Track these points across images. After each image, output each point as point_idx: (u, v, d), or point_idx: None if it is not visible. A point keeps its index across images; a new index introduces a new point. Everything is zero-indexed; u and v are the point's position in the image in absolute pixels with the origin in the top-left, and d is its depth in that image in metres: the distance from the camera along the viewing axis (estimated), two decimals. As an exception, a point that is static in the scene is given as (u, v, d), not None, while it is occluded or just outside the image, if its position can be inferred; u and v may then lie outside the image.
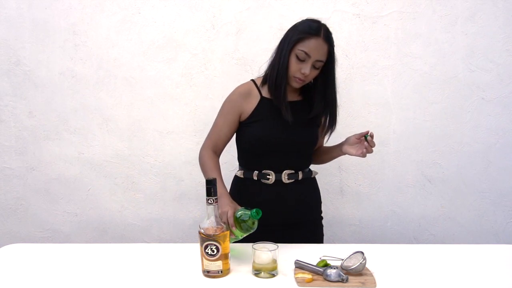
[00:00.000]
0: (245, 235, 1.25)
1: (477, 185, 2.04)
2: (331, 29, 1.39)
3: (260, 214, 1.21)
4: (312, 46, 1.35)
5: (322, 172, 1.95)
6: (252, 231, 1.24)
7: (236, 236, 1.24)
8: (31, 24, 1.98)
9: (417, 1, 1.91)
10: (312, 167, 1.60)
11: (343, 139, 2.03)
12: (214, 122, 1.52)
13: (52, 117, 2.04)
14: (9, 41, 1.99)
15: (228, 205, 1.27)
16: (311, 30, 1.35)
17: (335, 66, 1.45)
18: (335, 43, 1.41)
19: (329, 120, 1.52)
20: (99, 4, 1.96)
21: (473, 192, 2.04)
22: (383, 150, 2.02)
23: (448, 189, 2.05)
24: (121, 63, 2.00)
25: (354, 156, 1.45)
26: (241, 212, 1.24)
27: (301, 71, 1.37)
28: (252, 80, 1.52)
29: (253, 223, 1.23)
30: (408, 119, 2.00)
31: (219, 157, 1.50)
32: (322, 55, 1.37)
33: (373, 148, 1.42)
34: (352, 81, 1.97)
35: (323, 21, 1.40)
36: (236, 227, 1.22)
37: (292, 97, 1.49)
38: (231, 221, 1.22)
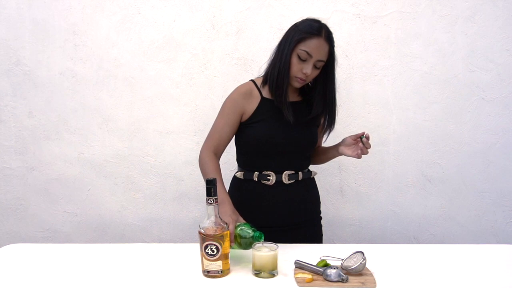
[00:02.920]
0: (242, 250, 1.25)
1: (477, 185, 2.04)
2: (331, 29, 1.40)
3: (263, 238, 1.20)
4: (313, 46, 1.35)
5: (322, 172, 1.96)
6: (250, 248, 1.22)
7: (232, 248, 1.24)
8: (31, 24, 1.98)
9: (417, 1, 1.91)
10: (311, 167, 1.60)
11: (343, 139, 2.03)
12: (214, 123, 1.49)
13: (52, 117, 2.04)
14: (9, 41, 1.99)
15: (230, 217, 1.25)
16: (312, 30, 1.35)
17: (335, 66, 1.45)
18: (335, 43, 1.41)
19: (328, 120, 1.52)
20: (99, 4, 1.96)
21: (473, 192, 2.04)
22: (383, 150, 2.02)
23: (448, 189, 2.04)
24: (121, 63, 2.00)
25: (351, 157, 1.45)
26: (243, 228, 1.23)
27: (302, 71, 1.37)
28: (252, 81, 1.51)
29: (253, 242, 1.21)
30: (408, 119, 2.00)
31: (219, 159, 1.48)
32: (323, 55, 1.38)
33: (369, 150, 1.42)
34: (352, 81, 1.97)
35: (323, 21, 1.40)
36: (235, 242, 1.22)
37: (292, 97, 1.49)
38: (231, 237, 1.21)
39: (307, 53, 1.35)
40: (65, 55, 2.00)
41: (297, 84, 1.42)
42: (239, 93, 1.47)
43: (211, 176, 1.36)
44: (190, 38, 1.97)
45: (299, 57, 1.36)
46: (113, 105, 2.03)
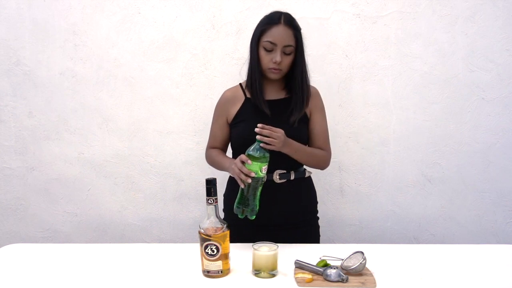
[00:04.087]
0: (264, 167, 1.31)
1: (477, 185, 2.03)
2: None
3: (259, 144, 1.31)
4: (275, 34, 1.40)
5: (322, 172, 1.95)
6: (266, 159, 1.30)
7: (256, 174, 1.29)
8: (31, 24, 1.98)
9: (417, 1, 1.91)
10: (308, 167, 1.59)
11: (343, 139, 2.04)
12: (210, 127, 1.62)
13: (52, 117, 2.04)
14: (9, 41, 1.99)
15: (235, 159, 1.35)
16: (271, 20, 1.43)
17: (304, 48, 1.48)
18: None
19: (296, 100, 1.48)
20: (99, 4, 1.96)
21: (473, 192, 2.04)
22: (383, 150, 2.02)
23: (448, 189, 2.04)
24: (121, 63, 2.00)
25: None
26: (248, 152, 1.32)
27: (272, 60, 1.41)
28: (240, 84, 1.58)
29: (264, 154, 1.30)
30: (408, 119, 2.00)
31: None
32: (287, 40, 1.41)
33: (269, 138, 1.31)
34: (352, 81, 1.97)
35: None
36: (251, 160, 1.29)
37: (277, 95, 1.52)
38: (243, 157, 1.30)
39: (270, 42, 1.40)
40: (65, 55, 1.99)
41: (273, 75, 1.45)
42: (223, 97, 1.57)
43: (217, 157, 1.53)
44: (190, 38, 1.97)
45: (265, 49, 1.42)
46: (113, 105, 2.03)
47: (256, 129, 1.32)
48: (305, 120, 1.52)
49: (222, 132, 1.57)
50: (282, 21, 1.41)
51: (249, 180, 1.29)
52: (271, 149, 1.34)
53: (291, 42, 1.41)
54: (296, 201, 1.53)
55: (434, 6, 1.91)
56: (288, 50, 1.41)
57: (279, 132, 1.34)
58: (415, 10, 1.91)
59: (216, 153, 1.57)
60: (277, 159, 1.46)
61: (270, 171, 1.46)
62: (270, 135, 1.32)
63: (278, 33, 1.40)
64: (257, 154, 1.29)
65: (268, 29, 1.41)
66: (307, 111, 1.53)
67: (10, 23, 1.98)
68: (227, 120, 1.55)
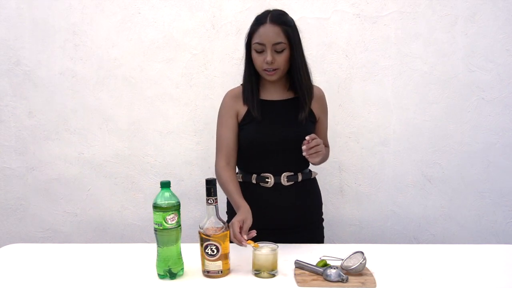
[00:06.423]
0: (169, 217, 1.16)
1: (477, 185, 2.03)
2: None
3: None
4: (262, 34, 1.38)
5: (322, 172, 1.95)
6: (175, 208, 1.17)
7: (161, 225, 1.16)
8: (31, 24, 1.98)
9: (417, 1, 1.91)
10: (312, 167, 1.59)
11: (343, 139, 2.04)
12: (217, 134, 1.51)
13: (52, 117, 2.04)
14: (9, 41, 1.99)
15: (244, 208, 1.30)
16: (257, 21, 1.41)
17: (301, 43, 1.44)
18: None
19: (301, 98, 1.47)
20: (99, 4, 1.96)
21: (473, 192, 2.04)
22: (383, 150, 2.02)
23: (448, 189, 2.04)
24: (121, 63, 1.99)
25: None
26: None
27: (264, 61, 1.39)
28: (242, 85, 1.53)
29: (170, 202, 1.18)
30: (408, 119, 2.00)
31: (234, 167, 1.49)
32: (276, 38, 1.37)
33: (312, 150, 1.32)
34: (352, 81, 1.97)
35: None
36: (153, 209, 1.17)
37: (284, 95, 1.50)
38: (238, 236, 1.21)
39: (259, 43, 1.39)
40: (65, 55, 1.99)
41: (269, 77, 1.42)
42: (229, 97, 1.52)
43: (234, 196, 1.38)
44: (190, 38, 1.97)
45: (256, 51, 1.40)
46: (113, 105, 2.03)
47: (303, 147, 1.30)
48: (313, 120, 1.52)
49: (234, 134, 1.48)
50: (268, 19, 1.38)
51: (244, 244, 1.21)
52: (319, 158, 1.33)
53: (281, 39, 1.37)
54: (303, 204, 1.51)
55: (434, 6, 1.91)
56: (279, 47, 1.38)
57: (318, 139, 1.33)
58: (415, 10, 1.91)
59: (233, 186, 1.41)
60: (283, 161, 1.46)
61: (277, 174, 1.46)
62: (317, 143, 1.31)
63: (265, 33, 1.37)
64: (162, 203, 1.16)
65: (256, 31, 1.39)
66: (315, 113, 1.52)
67: (10, 23, 1.98)
68: (237, 118, 1.49)
